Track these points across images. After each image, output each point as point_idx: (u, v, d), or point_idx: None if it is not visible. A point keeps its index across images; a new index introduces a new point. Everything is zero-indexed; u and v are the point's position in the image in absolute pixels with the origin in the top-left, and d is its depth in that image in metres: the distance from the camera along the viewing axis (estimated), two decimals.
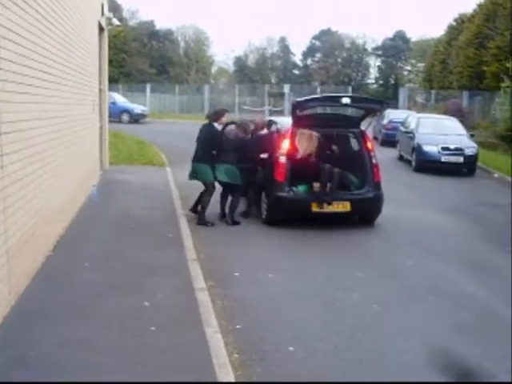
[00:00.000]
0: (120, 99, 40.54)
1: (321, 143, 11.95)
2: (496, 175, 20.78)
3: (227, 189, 11.91)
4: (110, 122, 19.81)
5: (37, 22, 7.59)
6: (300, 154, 11.71)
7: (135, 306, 6.77)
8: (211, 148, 11.47)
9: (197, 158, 11.54)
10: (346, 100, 11.51)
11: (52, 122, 8.79)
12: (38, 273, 7.72)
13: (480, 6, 43.87)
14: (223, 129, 11.83)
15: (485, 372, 4.83)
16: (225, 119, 11.85)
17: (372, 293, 8.02)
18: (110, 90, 26.74)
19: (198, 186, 11.78)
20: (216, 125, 11.66)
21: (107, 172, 16.80)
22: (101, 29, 15.90)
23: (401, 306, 7.62)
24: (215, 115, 11.81)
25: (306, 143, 11.78)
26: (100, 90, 15.88)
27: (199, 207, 11.77)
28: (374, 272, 8.99)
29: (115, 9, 50.67)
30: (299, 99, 12.01)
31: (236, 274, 8.58)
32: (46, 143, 8.29)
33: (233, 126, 12.16)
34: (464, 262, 9.77)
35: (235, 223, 11.65)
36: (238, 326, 6.65)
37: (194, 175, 11.65)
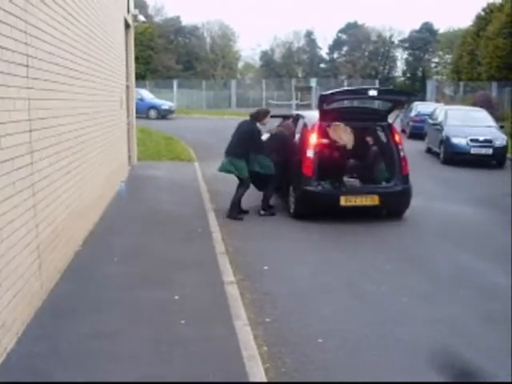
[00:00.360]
0: (147, 95, 40.80)
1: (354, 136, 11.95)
2: None
3: (260, 182, 11.98)
4: (138, 118, 19.93)
5: (62, 18, 7.66)
6: (341, 143, 11.68)
7: (165, 300, 6.81)
8: (248, 144, 11.47)
9: (233, 153, 11.48)
10: (372, 92, 11.45)
11: (80, 119, 8.87)
12: (69, 267, 7.81)
13: None
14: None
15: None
16: (267, 119, 11.87)
17: (401, 285, 7.97)
18: (137, 86, 26.97)
19: (227, 181, 11.81)
20: (258, 124, 11.68)
21: (135, 167, 16.91)
22: (127, 25, 16.00)
23: (430, 298, 7.56)
24: (257, 115, 11.79)
25: (344, 134, 11.76)
26: (127, 87, 15.97)
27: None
28: (403, 265, 8.94)
29: (141, 6, 50.89)
30: (326, 92, 11.95)
31: (265, 267, 8.59)
32: (74, 139, 8.37)
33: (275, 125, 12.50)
34: (493, 253, 9.66)
35: (271, 213, 11.83)
36: (267, 319, 6.66)
37: (228, 169, 11.65)
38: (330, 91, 12.08)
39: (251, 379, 5.05)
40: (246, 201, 11.88)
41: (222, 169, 11.67)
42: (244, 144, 11.41)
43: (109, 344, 5.61)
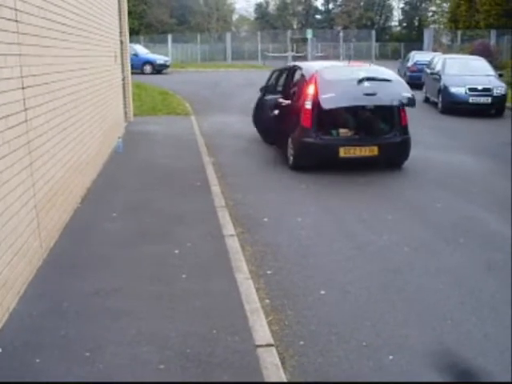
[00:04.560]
0: (142, 50, 40.51)
1: None
2: None
3: None
4: (133, 73, 19.71)
5: None
6: None
7: (165, 255, 6.80)
8: None
9: None
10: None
11: (74, 75, 8.73)
12: (68, 225, 7.78)
13: None
14: None
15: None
16: None
17: (402, 235, 7.95)
18: (132, 41, 26.69)
19: (224, 135, 11.70)
20: None
21: (132, 123, 16.79)
22: None
23: (431, 247, 7.54)
24: None
25: None
26: (121, 42, 15.77)
27: None
28: (403, 215, 8.92)
29: None
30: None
31: (265, 219, 8.56)
32: (68, 96, 8.25)
33: None
34: (493, 202, 9.64)
35: None
36: (268, 272, 6.65)
37: None
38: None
39: (254, 333, 5.04)
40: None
41: None
42: None
43: (110, 301, 5.59)
